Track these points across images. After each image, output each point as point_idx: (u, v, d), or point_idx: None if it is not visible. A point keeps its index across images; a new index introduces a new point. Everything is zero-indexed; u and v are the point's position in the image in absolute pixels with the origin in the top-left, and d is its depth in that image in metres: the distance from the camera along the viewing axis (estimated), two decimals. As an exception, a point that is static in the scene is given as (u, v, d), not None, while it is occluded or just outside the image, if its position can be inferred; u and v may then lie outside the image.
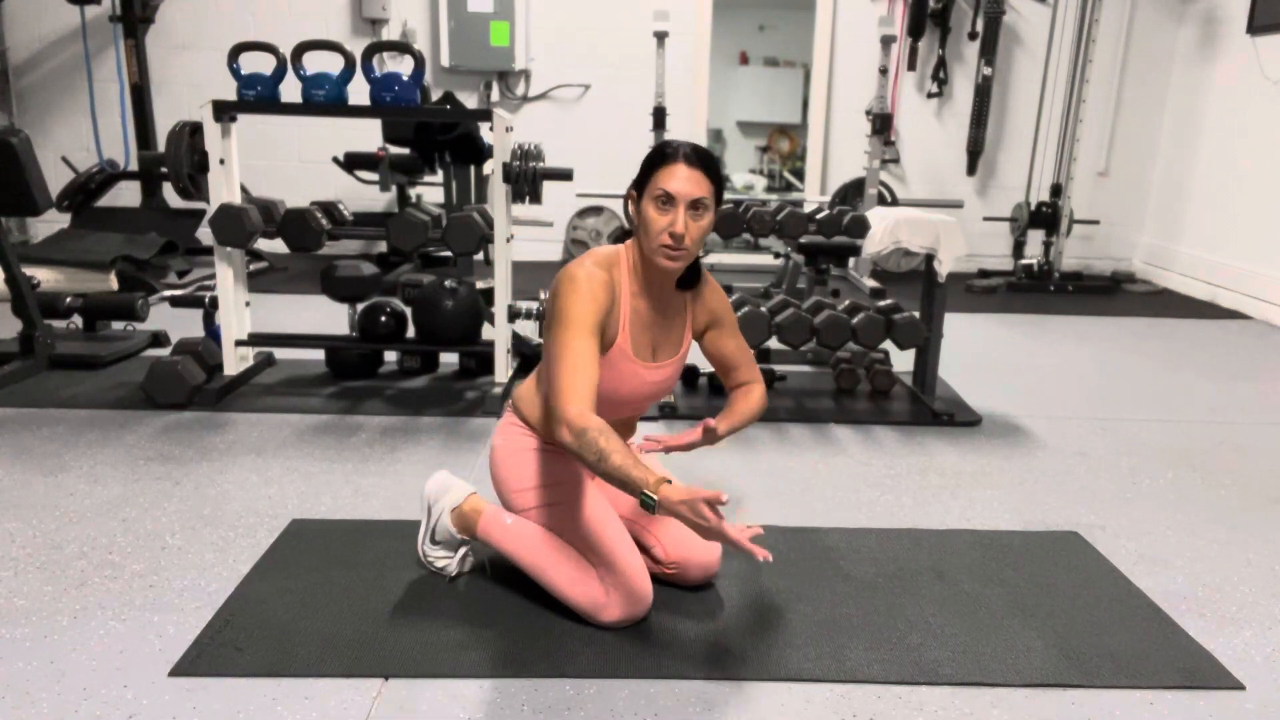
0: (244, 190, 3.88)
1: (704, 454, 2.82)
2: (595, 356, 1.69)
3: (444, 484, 2.01)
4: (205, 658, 1.70)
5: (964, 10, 6.10)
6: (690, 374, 3.50)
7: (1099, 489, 2.66)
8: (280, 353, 3.74)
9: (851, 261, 5.69)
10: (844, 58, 6.18)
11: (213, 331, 3.44)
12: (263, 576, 2.00)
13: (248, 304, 3.36)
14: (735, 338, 2.02)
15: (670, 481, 1.54)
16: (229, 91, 4.95)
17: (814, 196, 6.12)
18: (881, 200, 5.75)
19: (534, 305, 3.34)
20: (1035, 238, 6.22)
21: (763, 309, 3.22)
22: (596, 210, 6.21)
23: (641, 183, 1.76)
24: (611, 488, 2.00)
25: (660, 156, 1.73)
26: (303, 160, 6.16)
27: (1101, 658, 1.79)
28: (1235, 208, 5.46)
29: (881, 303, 3.34)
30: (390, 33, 6.00)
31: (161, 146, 5.38)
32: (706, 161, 1.73)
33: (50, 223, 5.66)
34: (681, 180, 1.70)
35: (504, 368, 3.28)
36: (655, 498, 1.50)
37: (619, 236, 5.19)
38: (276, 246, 5.14)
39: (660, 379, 1.92)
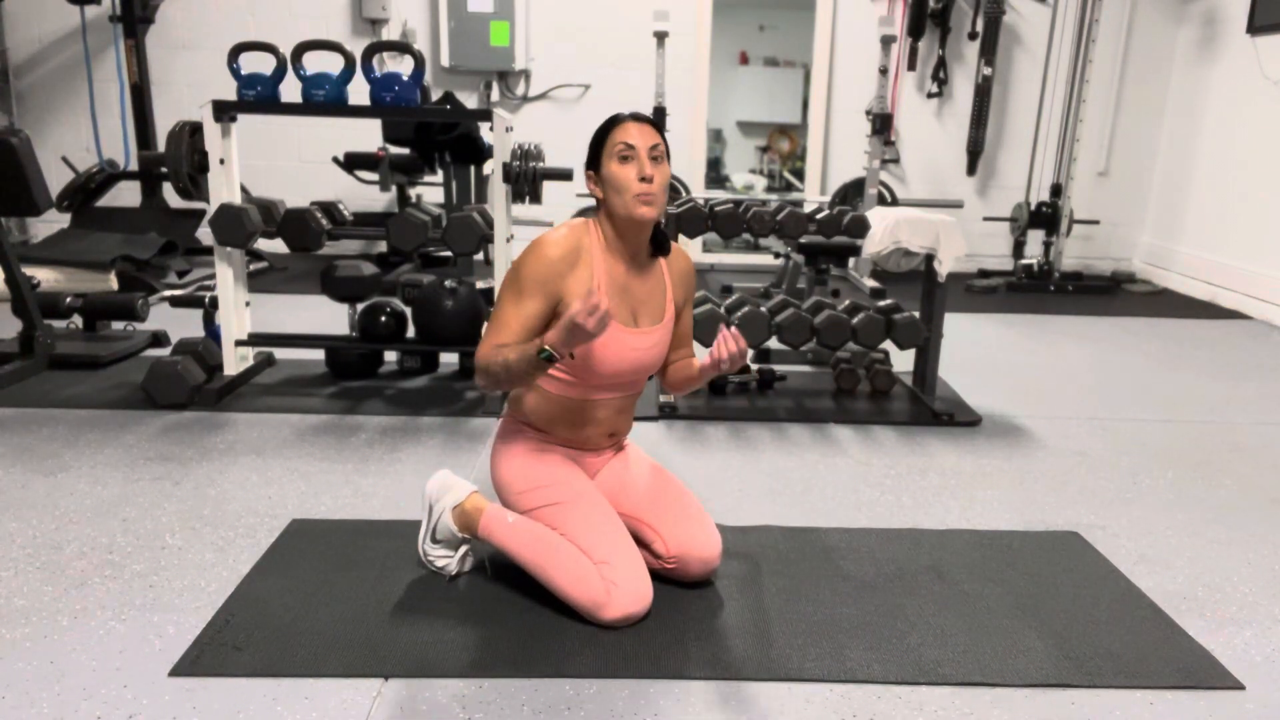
0: (244, 190, 3.88)
1: (704, 454, 2.82)
2: (525, 322, 1.85)
3: (445, 483, 2.01)
4: (205, 658, 1.70)
5: (964, 10, 6.10)
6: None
7: (1099, 489, 2.66)
8: (280, 353, 3.74)
9: (851, 261, 5.68)
10: (844, 58, 6.18)
11: (213, 331, 3.44)
12: (263, 576, 2.00)
13: (248, 304, 3.36)
14: (690, 313, 2.13)
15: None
16: (229, 91, 4.94)
17: (814, 196, 6.12)
18: (881, 200, 5.75)
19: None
20: (1035, 238, 6.22)
21: (763, 309, 3.22)
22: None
23: (596, 155, 1.89)
24: (611, 486, 2.05)
25: (609, 124, 1.89)
26: (303, 160, 6.16)
27: (1101, 658, 1.79)
28: (1235, 208, 5.46)
29: (881, 303, 3.34)
30: (390, 33, 6.00)
31: (161, 146, 5.39)
32: (651, 120, 1.90)
33: (50, 223, 5.66)
34: (635, 133, 1.85)
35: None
36: (547, 347, 1.72)
37: None
38: (276, 246, 5.14)
39: (645, 345, 1.95)
